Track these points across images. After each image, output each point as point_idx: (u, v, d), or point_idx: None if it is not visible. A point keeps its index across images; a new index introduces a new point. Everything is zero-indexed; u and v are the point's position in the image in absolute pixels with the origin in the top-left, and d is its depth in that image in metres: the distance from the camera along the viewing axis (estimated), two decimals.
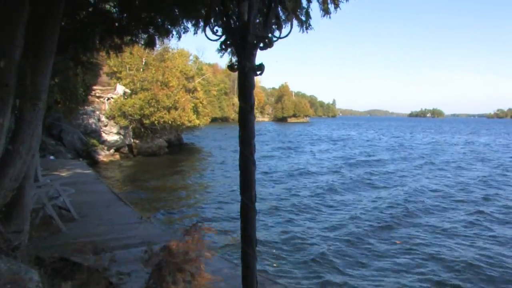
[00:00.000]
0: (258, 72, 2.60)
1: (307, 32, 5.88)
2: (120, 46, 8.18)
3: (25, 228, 5.98)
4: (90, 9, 7.50)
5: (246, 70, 2.56)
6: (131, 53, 33.77)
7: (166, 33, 7.37)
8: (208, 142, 48.75)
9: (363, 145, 49.80)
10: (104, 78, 34.15)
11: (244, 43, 2.47)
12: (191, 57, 74.99)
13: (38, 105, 5.17)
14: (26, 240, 6.03)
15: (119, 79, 33.43)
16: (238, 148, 2.62)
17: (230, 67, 2.79)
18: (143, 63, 34.57)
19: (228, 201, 17.16)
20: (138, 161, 30.42)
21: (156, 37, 7.66)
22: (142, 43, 8.02)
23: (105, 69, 34.43)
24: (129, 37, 7.87)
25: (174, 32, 7.39)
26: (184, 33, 7.28)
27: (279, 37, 2.63)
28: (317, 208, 16.60)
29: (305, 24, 5.83)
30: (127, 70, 33.48)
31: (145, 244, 7.26)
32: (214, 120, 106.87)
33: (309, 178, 24.27)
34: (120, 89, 32.42)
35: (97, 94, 32.20)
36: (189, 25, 7.22)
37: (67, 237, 7.82)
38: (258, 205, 2.63)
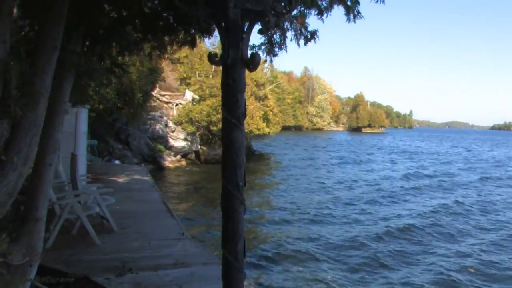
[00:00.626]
0: (250, 66, 1.67)
1: (354, 22, 4.82)
2: (164, 46, 7.40)
3: (37, 245, 5.26)
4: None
5: (229, 61, 1.63)
6: (200, 58, 33.63)
7: (208, 31, 6.51)
8: (278, 150, 47.90)
9: (436, 159, 47.12)
10: (173, 83, 34.18)
11: (226, 20, 1.54)
12: (266, 65, 74.88)
13: (36, 110, 4.39)
14: (38, 257, 5.32)
15: (188, 85, 33.28)
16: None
17: (210, 57, 1.88)
18: (213, 70, 34.26)
19: (290, 219, 16.25)
20: (204, 168, 29.98)
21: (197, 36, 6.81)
22: (178, 43, 7.19)
23: (175, 74, 34.50)
24: (171, 36, 7.09)
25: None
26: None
27: (284, 13, 1.65)
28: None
29: (352, 12, 4.77)
30: (197, 76, 33.26)
31: (177, 266, 6.43)
32: (287, 128, 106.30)
33: (374, 191, 22.89)
34: (189, 95, 32.25)
35: (166, 100, 32.21)
36: None
37: (100, 251, 7.13)
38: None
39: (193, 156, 32.02)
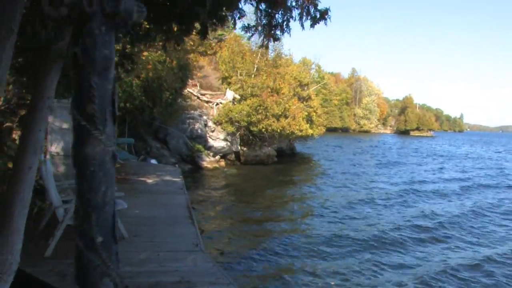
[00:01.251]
0: (118, 21, 0.90)
1: None
2: (180, 36, 6.65)
3: (9, 260, 4.59)
4: None
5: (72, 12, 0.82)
6: (243, 57, 32.97)
7: (221, 20, 5.73)
8: (322, 152, 46.63)
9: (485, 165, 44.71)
10: (215, 82, 33.67)
11: None
12: (313, 66, 73.74)
13: None
14: (10, 273, 4.65)
15: (229, 84, 32.68)
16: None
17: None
18: (255, 69, 33.54)
19: (327, 237, 14.23)
20: (243, 169, 29.27)
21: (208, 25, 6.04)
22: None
23: (217, 73, 33.99)
24: (182, 26, 6.35)
25: (230, 19, 5.73)
26: (239, 18, 5.58)
27: None
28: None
29: None
30: (238, 75, 32.61)
31: (181, 285, 5.67)
32: (333, 130, 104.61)
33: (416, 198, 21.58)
34: (230, 94, 31.63)
35: (206, 99, 31.71)
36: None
37: None
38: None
39: (232, 156, 31.37)
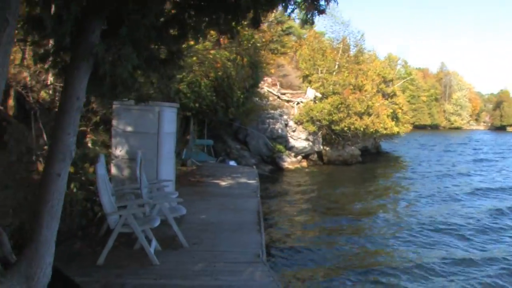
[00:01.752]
0: None
1: None
2: (231, 28, 6.08)
3: (37, 275, 4.22)
4: None
5: None
6: (323, 55, 32.11)
7: (272, 5, 5.09)
8: (409, 151, 44.29)
9: None
10: (295, 81, 33.03)
11: None
12: (399, 61, 71.25)
13: None
14: (42, 282, 4.29)
15: (310, 82, 31.90)
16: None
17: None
18: (336, 66, 32.53)
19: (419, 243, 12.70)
20: (325, 170, 28.37)
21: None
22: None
23: (298, 72, 33.37)
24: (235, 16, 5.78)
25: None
26: (291, 3, 4.90)
27: None
28: None
29: None
30: (319, 73, 31.77)
31: None
32: (422, 127, 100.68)
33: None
34: (311, 93, 30.87)
35: (287, 98, 31.15)
36: None
37: (152, 274, 6.05)
38: None
39: (315, 157, 30.55)
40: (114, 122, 9.45)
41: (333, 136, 30.33)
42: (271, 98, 30.05)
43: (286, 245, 11.85)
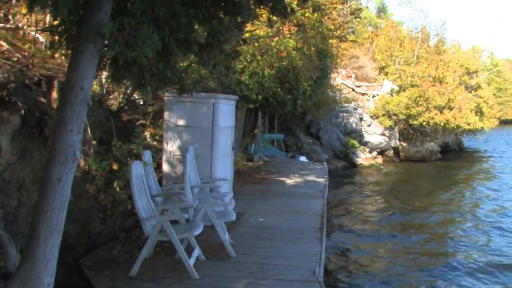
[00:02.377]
0: None
1: None
2: (284, 7, 5.12)
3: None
4: None
5: None
6: (401, 45, 30.39)
7: None
8: (494, 147, 40.68)
9: None
10: (371, 73, 31.52)
11: None
12: (484, 52, 67.17)
13: None
14: None
15: (387, 74, 30.25)
16: None
17: None
18: (414, 57, 30.64)
19: None
20: (402, 167, 26.69)
21: None
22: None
23: (374, 64, 31.88)
24: None
25: None
26: None
27: None
28: None
29: None
30: (396, 65, 30.05)
31: None
32: (509, 122, 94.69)
33: None
34: (388, 85, 29.25)
35: (362, 91, 29.74)
36: None
37: None
38: None
39: (391, 153, 28.94)
40: (165, 115, 8.80)
41: (411, 131, 28.58)
42: (345, 91, 28.73)
43: (348, 263, 9.94)
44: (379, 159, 27.59)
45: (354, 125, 26.98)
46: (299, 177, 14.68)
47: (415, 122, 27.26)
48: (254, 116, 20.00)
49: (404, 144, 29.20)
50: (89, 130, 7.88)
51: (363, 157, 26.49)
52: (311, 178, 14.71)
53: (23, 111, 6.38)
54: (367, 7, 32.31)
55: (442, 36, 34.95)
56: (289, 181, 13.86)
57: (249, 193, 11.64)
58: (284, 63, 11.57)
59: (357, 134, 27.04)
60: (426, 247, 11.18)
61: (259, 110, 18.94)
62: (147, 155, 7.38)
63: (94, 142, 8.15)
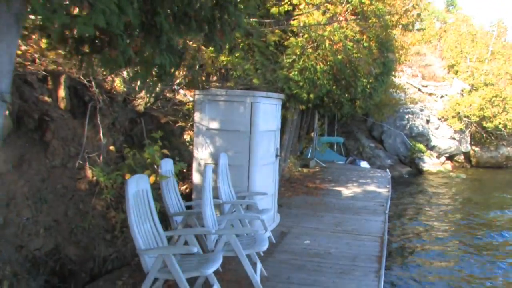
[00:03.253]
0: None
1: None
2: None
3: None
4: None
5: None
6: (472, 40, 27.95)
7: None
8: None
9: None
10: (439, 72, 29.24)
11: None
12: None
13: None
14: None
15: (457, 73, 27.91)
16: None
17: None
18: (489, 53, 28.12)
19: None
20: (474, 174, 24.33)
21: None
22: None
23: (442, 62, 29.65)
24: None
25: None
26: None
27: None
28: None
29: None
30: (467, 62, 27.65)
31: None
32: None
33: None
34: (458, 85, 26.92)
35: (429, 91, 27.54)
36: None
37: None
38: None
39: (461, 158, 26.59)
40: (196, 117, 7.50)
41: (484, 135, 26.14)
42: (411, 91, 26.59)
43: None
44: (448, 165, 25.39)
45: (420, 128, 24.91)
46: (357, 187, 13.07)
47: (489, 124, 24.82)
48: (311, 118, 18.49)
49: (476, 149, 26.87)
50: (101, 135, 6.70)
51: (430, 163, 24.42)
52: (371, 188, 13.06)
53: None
54: None
55: None
56: (346, 191, 12.27)
57: (299, 206, 10.18)
58: (339, 56, 9.97)
59: (424, 138, 24.97)
60: None
61: (316, 111, 17.41)
62: (166, 165, 6.11)
63: (112, 148, 6.97)
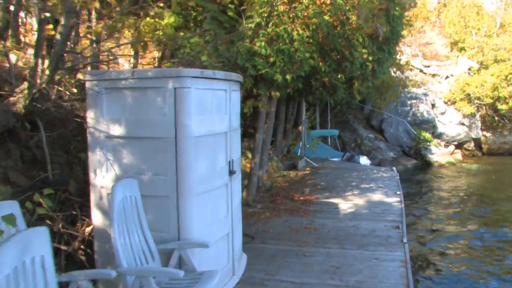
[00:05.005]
0: None
1: None
2: None
3: None
4: None
5: None
6: (478, 12, 24.94)
7: None
8: None
9: None
10: (441, 50, 26.18)
11: None
12: None
13: None
14: None
15: (462, 50, 24.88)
16: None
17: None
18: (497, 25, 25.11)
19: None
20: (487, 163, 21.28)
21: None
22: None
23: (443, 40, 26.57)
24: None
25: None
26: None
27: None
28: None
29: None
30: (473, 37, 24.63)
31: None
32: None
33: None
34: (464, 63, 23.84)
35: (432, 72, 24.46)
36: None
37: None
38: None
39: (471, 145, 23.56)
40: (88, 118, 4.47)
41: (496, 119, 23.08)
42: (412, 72, 23.43)
43: None
44: (458, 154, 22.43)
45: (425, 113, 21.95)
46: (359, 196, 10.01)
47: (503, 106, 21.74)
48: (298, 108, 15.33)
49: (488, 135, 23.85)
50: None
51: (439, 153, 21.45)
52: (377, 196, 10.00)
53: None
54: None
55: None
56: (344, 205, 9.19)
57: (279, 236, 7.12)
58: (326, 17, 6.77)
59: (430, 125, 22.02)
60: None
61: (302, 100, 14.27)
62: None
63: None
